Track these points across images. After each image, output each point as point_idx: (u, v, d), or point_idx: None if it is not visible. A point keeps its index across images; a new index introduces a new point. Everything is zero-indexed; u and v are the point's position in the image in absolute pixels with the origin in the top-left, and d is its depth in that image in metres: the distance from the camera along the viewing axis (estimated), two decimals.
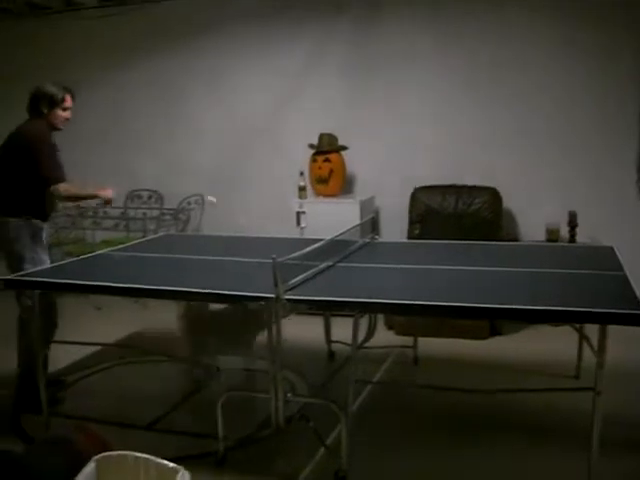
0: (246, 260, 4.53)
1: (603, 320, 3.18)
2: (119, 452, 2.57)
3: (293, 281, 3.65)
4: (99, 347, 5.62)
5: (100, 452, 2.62)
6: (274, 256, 3.39)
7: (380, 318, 5.75)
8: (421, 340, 5.38)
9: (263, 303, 3.45)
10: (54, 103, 4.63)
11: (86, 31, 7.92)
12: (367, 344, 4.64)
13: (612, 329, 3.16)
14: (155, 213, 7.79)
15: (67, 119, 4.72)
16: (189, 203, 7.67)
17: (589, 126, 6.57)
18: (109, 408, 4.61)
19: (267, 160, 7.50)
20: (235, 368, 5.10)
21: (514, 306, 3.40)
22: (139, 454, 2.54)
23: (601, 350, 3.26)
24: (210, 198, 4.89)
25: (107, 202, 4.78)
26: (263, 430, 4.13)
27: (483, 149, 6.83)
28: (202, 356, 4.95)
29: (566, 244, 6.25)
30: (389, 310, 4.21)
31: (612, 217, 6.46)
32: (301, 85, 7.31)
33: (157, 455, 2.62)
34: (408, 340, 5.39)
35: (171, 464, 2.53)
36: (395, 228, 6.89)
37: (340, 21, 7.10)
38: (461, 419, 4.41)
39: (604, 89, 6.48)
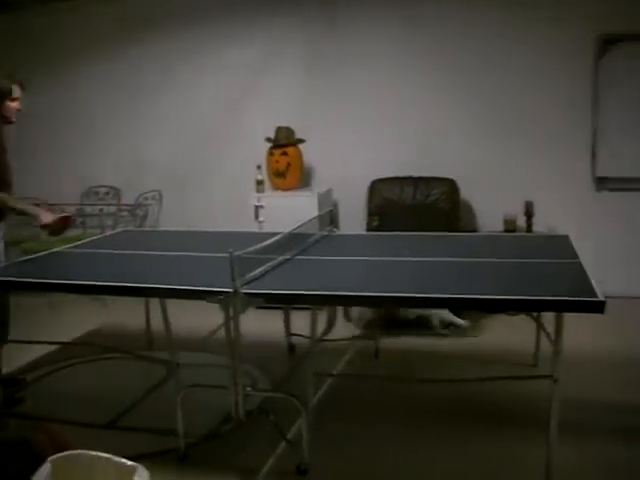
0: (204, 255, 4.50)
1: (558, 308, 3.21)
2: (75, 452, 2.53)
3: (251, 275, 3.64)
4: (58, 346, 5.56)
5: (60, 452, 2.58)
6: (231, 250, 3.37)
7: (339, 310, 5.76)
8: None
9: (222, 297, 3.42)
10: (3, 95, 4.54)
11: (41, 27, 7.81)
12: (328, 336, 4.67)
13: (570, 317, 3.19)
14: (112, 209, 7.72)
15: (18, 110, 4.62)
16: (146, 199, 7.60)
17: (544, 117, 6.63)
18: (69, 407, 4.55)
19: (225, 154, 7.47)
20: (195, 364, 5.07)
21: (472, 296, 3.41)
22: (96, 453, 2.51)
23: (557, 338, 3.29)
24: None
25: (43, 226, 4.63)
26: (224, 425, 4.12)
27: (441, 141, 6.86)
28: (161, 352, 4.90)
29: (523, 234, 6.31)
30: (348, 302, 4.21)
31: (568, 206, 6.55)
32: (258, 79, 7.28)
33: (118, 453, 2.58)
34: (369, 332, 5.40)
35: (129, 462, 2.50)
36: (354, 220, 6.91)
37: (297, 16, 7.08)
38: (422, 410, 4.42)
39: (557, 81, 6.55)
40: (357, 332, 5.71)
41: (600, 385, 4.64)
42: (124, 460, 2.52)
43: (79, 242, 5.30)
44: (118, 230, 6.61)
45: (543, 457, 3.42)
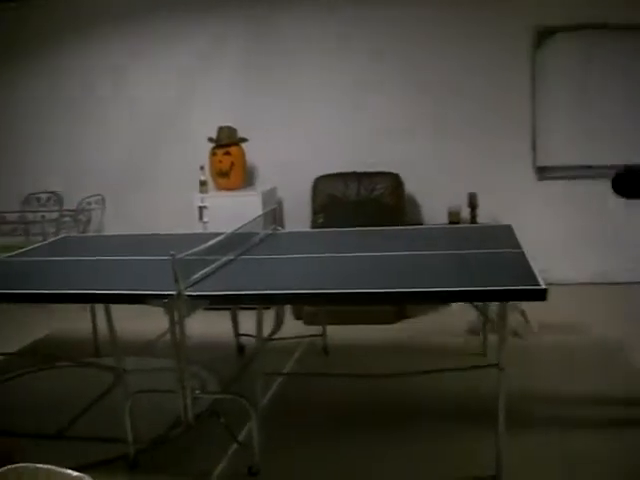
0: (149, 258, 4.45)
1: (501, 297, 3.24)
2: (18, 465, 2.47)
3: (195, 277, 3.60)
4: (3, 357, 5.46)
5: (5, 465, 2.51)
6: (173, 252, 3.33)
7: (288, 309, 5.76)
8: (330, 328, 5.38)
9: (165, 301, 3.38)
10: None
11: None
12: (276, 335, 4.65)
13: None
14: (54, 215, 7.59)
15: None
16: (89, 203, 7.49)
17: (485, 110, 6.71)
18: (16, 419, 4.46)
19: (168, 156, 7.40)
20: (143, 369, 5.01)
21: (418, 289, 3.43)
22: (40, 465, 2.45)
23: (501, 327, 3.32)
24: None
25: None
26: (174, 429, 4.07)
27: (384, 136, 6.89)
28: (109, 359, 4.83)
29: (467, 225, 6.36)
30: (293, 301, 4.21)
31: (511, 197, 6.63)
32: (199, 79, 7.23)
33: (67, 463, 2.51)
34: (317, 329, 5.38)
35: (75, 473, 2.44)
36: (299, 218, 6.91)
37: (238, 15, 7.05)
38: (374, 406, 4.43)
39: (496, 74, 6.63)
40: (307, 329, 5.69)
41: (546, 374, 4.70)
42: (69, 471, 2.46)
43: (21, 250, 5.20)
44: (60, 236, 6.51)
45: (494, 449, 3.44)
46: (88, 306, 5.52)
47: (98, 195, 7.44)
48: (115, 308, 4.19)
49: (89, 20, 7.37)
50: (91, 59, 7.43)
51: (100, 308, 4.70)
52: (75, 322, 5.79)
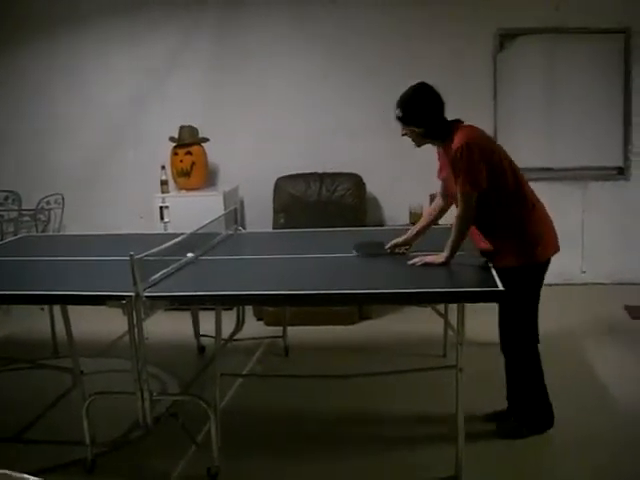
0: (108, 259, 4.40)
1: (460, 299, 3.26)
2: None
3: (154, 277, 3.58)
4: None
5: None
6: (132, 253, 3.30)
7: (249, 309, 5.74)
8: (291, 329, 5.37)
9: (124, 302, 3.35)
10: None
11: None
12: (237, 336, 4.63)
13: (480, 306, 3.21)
14: (13, 215, 7.49)
15: None
16: (48, 203, 7.39)
17: (448, 112, 6.64)
18: None
19: (129, 155, 7.32)
20: (103, 370, 4.97)
21: (378, 291, 3.44)
22: None
23: (460, 328, 3.34)
24: None
25: None
26: (133, 432, 4.04)
27: (345, 137, 6.90)
28: (68, 360, 4.77)
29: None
30: (253, 301, 4.20)
31: None
32: (160, 79, 7.17)
33: (25, 467, 2.49)
34: (278, 330, 5.37)
35: (32, 478, 2.41)
36: (261, 219, 6.88)
37: (202, 15, 7.00)
38: (333, 406, 4.43)
39: (458, 76, 6.66)
40: (267, 330, 5.68)
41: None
42: (26, 476, 2.43)
43: None
44: (19, 236, 6.43)
45: (454, 449, 3.47)
46: (46, 307, 5.46)
47: (58, 194, 7.34)
48: (74, 309, 4.15)
49: (49, 20, 7.26)
50: (50, 58, 7.32)
51: (58, 309, 4.66)
52: (33, 323, 5.71)
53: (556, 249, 3.73)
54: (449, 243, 3.64)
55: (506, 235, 3.65)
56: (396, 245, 4.04)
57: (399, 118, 3.86)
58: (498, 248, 3.64)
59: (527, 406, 3.86)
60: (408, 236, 4.08)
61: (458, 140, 3.61)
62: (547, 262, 3.70)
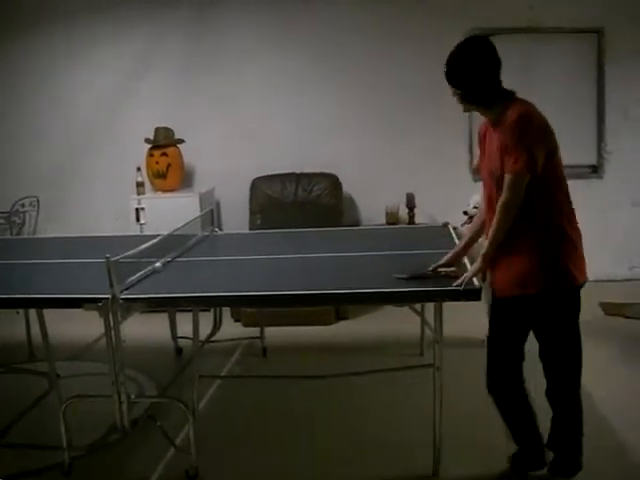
0: (84, 261, 4.37)
1: (437, 298, 3.27)
2: None
3: (130, 279, 3.56)
4: None
5: None
6: (108, 255, 3.28)
7: (227, 311, 5.73)
8: (269, 330, 5.36)
9: (100, 304, 3.33)
10: None
11: None
12: (214, 338, 4.63)
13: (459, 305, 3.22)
14: None
15: None
16: (23, 205, 7.33)
17: (425, 112, 6.78)
18: None
19: (104, 157, 7.28)
20: (80, 373, 4.94)
21: (355, 290, 3.45)
22: None
23: (437, 327, 3.35)
24: None
25: None
26: (110, 435, 4.01)
27: (322, 137, 6.91)
28: (41, 363, 4.74)
29: (405, 225, 6.42)
30: (230, 303, 4.19)
31: (448, 197, 6.65)
32: (136, 80, 7.13)
33: (1, 471, 2.49)
34: (256, 331, 5.36)
35: None
36: (237, 220, 6.87)
37: (176, 15, 6.98)
38: (312, 406, 4.43)
39: (433, 77, 6.61)
40: (245, 331, 5.68)
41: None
42: None
43: None
44: None
45: (431, 448, 3.48)
46: (22, 310, 5.42)
47: (33, 197, 7.29)
48: (49, 312, 4.12)
49: (20, 20, 7.20)
50: (21, 59, 7.26)
51: (34, 312, 4.63)
52: (8, 327, 5.66)
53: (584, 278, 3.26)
54: (488, 237, 3.12)
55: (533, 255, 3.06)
56: (438, 267, 3.40)
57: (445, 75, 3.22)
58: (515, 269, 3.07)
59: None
60: (448, 257, 3.44)
61: (517, 111, 3.05)
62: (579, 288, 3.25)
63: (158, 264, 3.85)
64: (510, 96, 3.17)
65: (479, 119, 3.31)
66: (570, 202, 3.19)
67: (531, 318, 3.15)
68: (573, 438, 3.32)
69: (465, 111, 3.29)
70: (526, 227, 3.04)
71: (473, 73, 3.13)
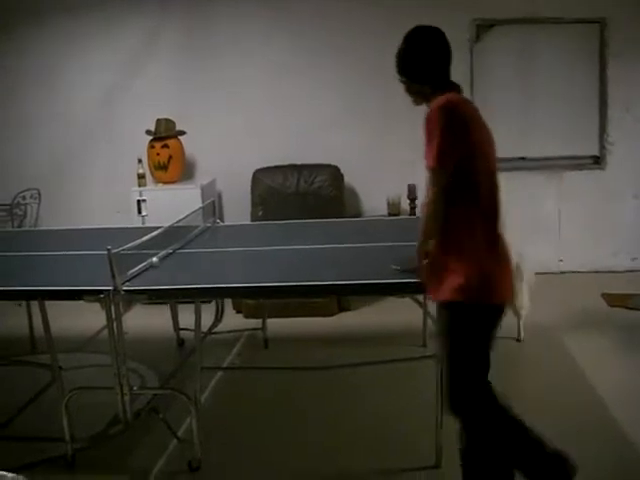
0: (86, 253, 4.37)
1: None
2: None
3: (132, 271, 3.56)
4: None
5: None
6: (109, 247, 3.28)
7: (228, 302, 5.73)
8: (271, 321, 5.36)
9: (102, 296, 3.34)
10: None
11: None
12: (216, 329, 4.62)
13: None
14: None
15: None
16: (24, 197, 7.34)
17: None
18: None
19: (105, 149, 7.27)
20: (82, 365, 4.94)
21: (357, 281, 3.44)
22: None
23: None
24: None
25: None
26: (113, 427, 4.01)
27: (324, 129, 6.88)
28: (43, 356, 4.74)
29: (406, 217, 6.41)
30: (232, 294, 4.19)
31: None
32: (136, 71, 7.11)
33: (4, 464, 2.49)
34: (258, 323, 5.36)
35: (10, 474, 2.40)
36: (238, 211, 6.87)
37: (174, 6, 6.95)
38: (314, 398, 4.43)
39: None
40: (247, 323, 5.67)
41: None
42: (4, 473, 2.42)
43: None
44: None
45: (434, 439, 3.49)
46: (23, 302, 5.42)
47: (34, 189, 7.30)
48: (51, 304, 4.11)
49: (18, 15, 7.19)
50: (20, 53, 7.24)
51: (36, 304, 4.63)
52: (10, 319, 5.67)
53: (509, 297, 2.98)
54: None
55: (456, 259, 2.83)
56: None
57: None
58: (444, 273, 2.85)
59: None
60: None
61: (437, 102, 2.91)
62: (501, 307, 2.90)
63: (155, 259, 3.83)
64: (453, 88, 3.09)
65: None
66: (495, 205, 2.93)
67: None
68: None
69: (415, 104, 3.20)
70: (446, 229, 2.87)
71: (414, 61, 3.10)
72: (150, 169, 6.77)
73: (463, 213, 2.85)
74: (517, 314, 5.11)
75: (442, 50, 3.15)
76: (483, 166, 2.93)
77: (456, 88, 3.09)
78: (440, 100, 2.91)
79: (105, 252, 3.31)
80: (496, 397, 2.85)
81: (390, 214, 6.58)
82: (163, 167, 6.70)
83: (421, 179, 6.42)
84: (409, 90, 3.15)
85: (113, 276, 3.30)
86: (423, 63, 3.09)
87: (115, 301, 3.31)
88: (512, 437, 2.87)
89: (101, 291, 3.32)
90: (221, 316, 4.77)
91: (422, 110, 3.10)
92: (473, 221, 2.84)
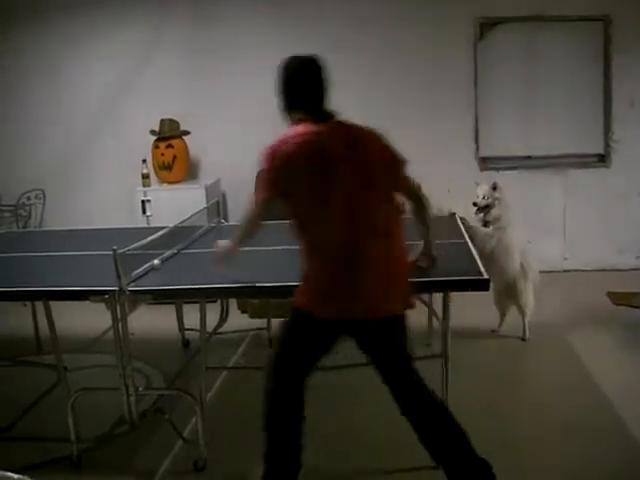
0: (90, 254, 4.37)
1: (445, 288, 3.26)
2: None
3: (137, 272, 3.56)
4: None
5: None
6: (115, 247, 3.28)
7: (233, 302, 5.72)
8: (275, 321, 5.32)
9: (107, 297, 3.34)
10: None
11: None
12: (221, 329, 4.62)
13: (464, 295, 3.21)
14: None
15: None
16: (29, 198, 7.35)
17: (429, 100, 6.74)
18: None
19: (109, 149, 7.28)
20: (87, 366, 4.95)
21: None
22: None
23: (445, 317, 3.34)
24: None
25: None
26: (118, 427, 4.01)
27: None
28: (48, 356, 4.74)
29: (406, 217, 6.38)
30: (237, 294, 4.19)
31: (454, 187, 6.65)
32: (141, 72, 7.12)
33: (9, 465, 2.48)
34: (262, 322, 5.36)
35: (16, 475, 2.40)
36: (243, 211, 6.84)
37: (179, 5, 6.95)
38: (318, 397, 4.40)
39: (440, 65, 6.68)
40: (252, 322, 5.67)
41: (491, 360, 4.76)
42: (10, 474, 2.42)
43: None
44: (0, 232, 6.39)
45: None
46: (29, 303, 5.42)
47: (38, 190, 7.31)
48: (57, 305, 4.12)
49: (22, 13, 7.19)
50: (26, 54, 7.25)
51: (41, 305, 4.63)
52: (16, 319, 5.67)
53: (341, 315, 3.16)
54: None
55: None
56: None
57: None
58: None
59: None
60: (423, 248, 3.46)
61: (275, 137, 3.15)
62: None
63: (156, 261, 3.83)
64: (321, 119, 3.21)
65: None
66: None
67: None
68: None
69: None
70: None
71: (280, 91, 3.36)
72: (154, 169, 6.78)
73: (307, 239, 3.12)
74: (522, 313, 5.11)
75: (308, 81, 3.29)
76: (323, 196, 3.04)
77: (326, 118, 3.25)
78: (277, 136, 3.13)
79: (110, 252, 3.32)
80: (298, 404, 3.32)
81: None
82: (167, 167, 6.71)
83: (425, 178, 6.42)
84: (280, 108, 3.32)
85: (118, 276, 3.30)
86: (286, 93, 3.35)
87: (120, 301, 3.32)
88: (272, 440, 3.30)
89: (106, 291, 3.32)
90: (226, 316, 4.77)
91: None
92: (315, 247, 3.07)
